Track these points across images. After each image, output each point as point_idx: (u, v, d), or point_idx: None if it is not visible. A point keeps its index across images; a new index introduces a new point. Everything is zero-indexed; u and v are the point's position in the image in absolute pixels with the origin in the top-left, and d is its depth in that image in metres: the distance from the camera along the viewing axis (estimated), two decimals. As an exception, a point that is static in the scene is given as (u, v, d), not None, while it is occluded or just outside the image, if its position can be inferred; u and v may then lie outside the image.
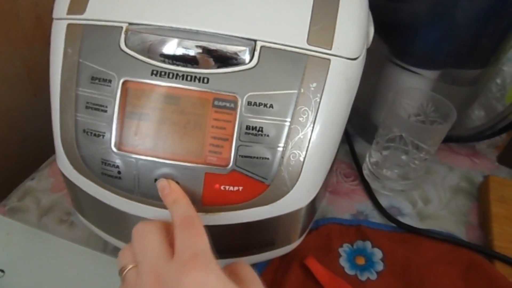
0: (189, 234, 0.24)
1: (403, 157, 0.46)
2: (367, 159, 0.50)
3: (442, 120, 0.44)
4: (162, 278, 0.23)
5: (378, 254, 0.42)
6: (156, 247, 0.24)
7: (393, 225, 0.45)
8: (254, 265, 0.40)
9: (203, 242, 0.24)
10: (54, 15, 0.32)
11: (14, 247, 0.40)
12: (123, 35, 0.29)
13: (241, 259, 0.27)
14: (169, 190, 0.28)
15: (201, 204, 0.30)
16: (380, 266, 0.41)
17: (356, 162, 0.52)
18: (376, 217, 0.46)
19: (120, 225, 0.35)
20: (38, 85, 0.57)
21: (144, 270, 0.24)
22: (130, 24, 0.30)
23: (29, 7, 0.52)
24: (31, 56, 0.54)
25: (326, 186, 0.41)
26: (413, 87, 0.47)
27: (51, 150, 0.51)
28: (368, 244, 0.42)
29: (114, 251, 0.41)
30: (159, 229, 0.25)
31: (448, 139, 0.49)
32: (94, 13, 0.30)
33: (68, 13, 0.31)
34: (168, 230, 0.27)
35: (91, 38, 0.30)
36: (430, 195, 0.49)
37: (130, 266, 0.25)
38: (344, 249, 0.42)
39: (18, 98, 0.55)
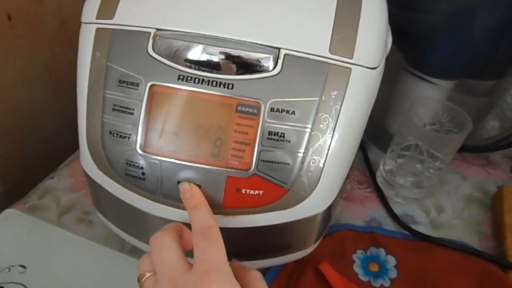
0: (207, 245, 0.25)
1: (418, 165, 0.46)
2: (381, 166, 0.51)
3: (457, 130, 0.44)
4: None
5: (391, 261, 0.42)
6: (175, 260, 0.25)
7: (407, 233, 0.45)
8: (269, 269, 0.40)
9: (221, 255, 0.25)
10: (83, 19, 0.33)
11: (35, 243, 0.41)
12: (151, 40, 0.30)
13: (252, 265, 0.27)
14: (190, 195, 0.29)
15: (222, 206, 0.30)
16: (393, 274, 0.41)
17: (370, 169, 0.53)
18: (389, 225, 0.47)
19: (140, 225, 0.36)
20: (59, 86, 0.58)
21: (163, 280, 0.25)
22: (158, 29, 0.31)
23: (53, 10, 0.53)
24: (53, 58, 0.56)
25: (342, 193, 0.42)
26: (429, 97, 0.47)
27: (70, 150, 0.53)
28: (382, 251, 0.43)
29: (131, 251, 0.42)
30: (177, 241, 0.26)
31: (463, 149, 0.50)
32: (123, 19, 0.31)
33: (97, 18, 0.32)
34: (181, 234, 0.28)
35: (119, 43, 0.31)
36: (443, 204, 0.50)
37: (148, 274, 0.26)
38: (357, 256, 0.43)
39: (39, 98, 0.56)
